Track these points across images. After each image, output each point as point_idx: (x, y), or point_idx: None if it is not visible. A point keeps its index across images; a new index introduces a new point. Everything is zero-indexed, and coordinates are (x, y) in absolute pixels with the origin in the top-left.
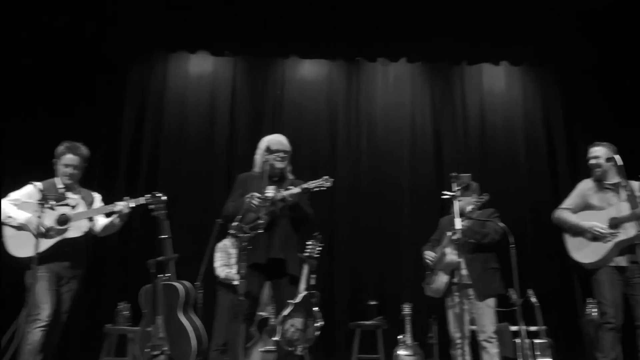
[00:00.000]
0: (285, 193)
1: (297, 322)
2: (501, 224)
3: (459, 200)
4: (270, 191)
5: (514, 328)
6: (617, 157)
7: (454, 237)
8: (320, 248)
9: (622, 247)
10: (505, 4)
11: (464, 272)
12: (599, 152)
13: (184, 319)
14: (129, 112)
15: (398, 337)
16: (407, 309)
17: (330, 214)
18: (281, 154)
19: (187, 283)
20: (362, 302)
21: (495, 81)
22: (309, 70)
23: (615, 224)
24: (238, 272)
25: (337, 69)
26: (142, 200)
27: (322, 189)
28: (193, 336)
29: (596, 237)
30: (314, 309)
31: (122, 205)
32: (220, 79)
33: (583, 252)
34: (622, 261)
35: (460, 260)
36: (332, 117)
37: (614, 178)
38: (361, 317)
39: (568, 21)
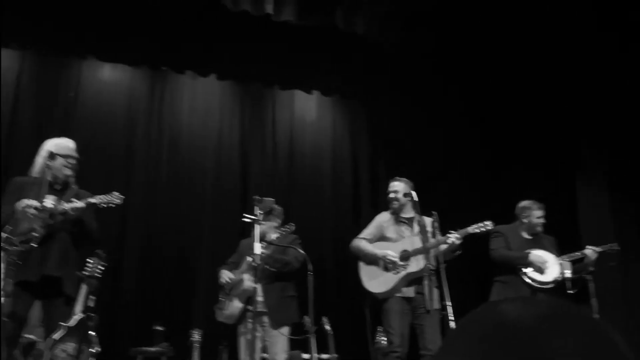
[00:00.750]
0: (67, 206)
1: (70, 347)
2: (302, 252)
3: (260, 225)
4: (49, 201)
5: (305, 356)
6: (414, 193)
7: (254, 263)
8: (103, 267)
9: (410, 279)
10: (320, 35)
11: (260, 299)
12: (398, 187)
13: None
14: None
15: None
16: (196, 335)
17: (119, 230)
18: (70, 160)
19: None
20: (148, 326)
21: (307, 109)
22: (109, 75)
23: (405, 256)
24: (3, 290)
25: (141, 76)
26: None
27: (110, 205)
28: None
29: (387, 267)
30: (90, 333)
31: None
32: (3, 71)
33: (375, 282)
34: (409, 292)
35: (257, 287)
36: (130, 127)
37: (409, 212)
38: (146, 343)
39: (370, 58)
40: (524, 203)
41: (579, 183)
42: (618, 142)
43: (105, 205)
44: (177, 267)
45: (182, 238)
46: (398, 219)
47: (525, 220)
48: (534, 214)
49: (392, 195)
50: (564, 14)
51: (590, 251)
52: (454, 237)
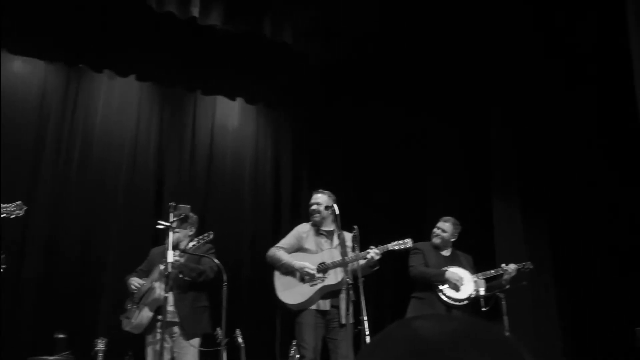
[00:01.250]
0: None
1: None
2: (217, 261)
3: (175, 232)
4: None
5: None
6: (335, 207)
7: (166, 272)
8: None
9: (326, 292)
10: (247, 42)
11: (171, 308)
12: (321, 199)
13: None
14: None
15: None
16: (100, 344)
17: (21, 231)
18: None
19: None
20: (50, 334)
21: (229, 116)
22: (22, 69)
23: (323, 268)
24: None
25: (55, 72)
26: None
27: (10, 217)
28: None
29: (304, 279)
30: None
31: None
32: None
33: (289, 293)
34: (324, 305)
35: (168, 296)
36: (41, 123)
37: (330, 225)
38: (46, 351)
39: (303, 72)
40: (441, 220)
41: (495, 202)
42: (530, 164)
43: (5, 215)
44: (83, 273)
45: (89, 242)
46: (318, 231)
47: (438, 238)
48: (448, 230)
49: (314, 207)
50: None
51: (510, 268)
52: (373, 253)
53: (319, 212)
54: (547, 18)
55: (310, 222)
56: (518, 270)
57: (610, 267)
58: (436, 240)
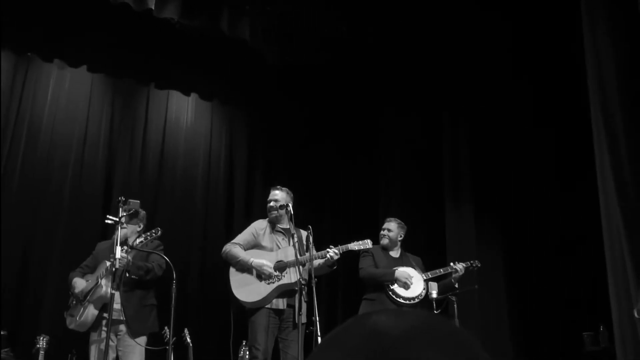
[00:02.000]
0: None
1: None
2: (165, 258)
3: (123, 228)
4: None
5: None
6: (290, 206)
7: (113, 268)
8: None
9: (282, 290)
10: (204, 38)
11: (117, 306)
12: (278, 196)
13: None
14: None
15: None
16: (42, 342)
17: None
18: None
19: None
20: None
21: (183, 111)
22: None
23: (281, 267)
24: None
25: (5, 61)
26: None
27: None
28: None
29: (261, 277)
30: None
31: None
32: None
33: (245, 290)
34: (280, 304)
35: (115, 293)
36: None
37: (286, 223)
38: None
39: (260, 70)
40: (386, 221)
41: (447, 203)
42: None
43: None
44: (25, 268)
45: (32, 236)
46: (274, 228)
47: (385, 238)
48: (393, 229)
49: (271, 203)
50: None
51: (458, 267)
52: (332, 252)
53: (276, 209)
54: (496, 22)
55: (267, 219)
56: (466, 268)
57: (562, 269)
58: (384, 241)
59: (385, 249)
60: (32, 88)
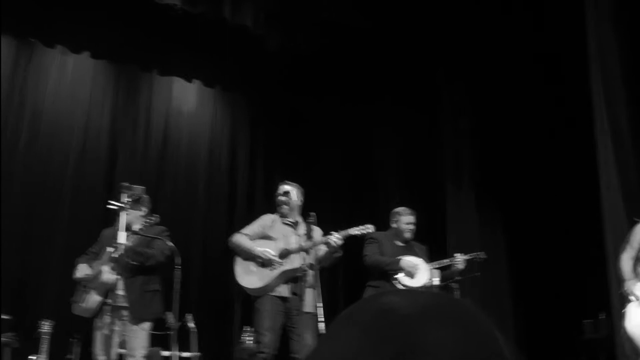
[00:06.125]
0: None
1: None
2: (170, 244)
3: (127, 214)
4: None
5: (166, 353)
6: (300, 199)
7: (115, 254)
8: None
9: (286, 277)
10: (206, 24)
11: (121, 292)
12: (291, 192)
13: None
14: None
15: (30, 357)
16: (46, 327)
17: None
18: None
19: None
20: None
21: (186, 98)
22: None
23: (285, 254)
24: None
25: (3, 45)
26: None
27: None
28: None
29: (264, 263)
30: None
31: None
32: None
33: (249, 278)
34: (284, 291)
35: (118, 279)
36: None
37: (296, 217)
38: None
39: (263, 57)
40: (395, 209)
41: (450, 193)
42: (485, 154)
43: None
44: (29, 253)
45: (36, 222)
46: (283, 221)
47: (394, 226)
48: (403, 219)
49: (283, 198)
50: None
51: (459, 258)
52: (334, 238)
53: (287, 203)
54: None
55: (277, 213)
56: (471, 260)
57: (564, 259)
58: (395, 226)
59: (390, 237)
60: (34, 74)
